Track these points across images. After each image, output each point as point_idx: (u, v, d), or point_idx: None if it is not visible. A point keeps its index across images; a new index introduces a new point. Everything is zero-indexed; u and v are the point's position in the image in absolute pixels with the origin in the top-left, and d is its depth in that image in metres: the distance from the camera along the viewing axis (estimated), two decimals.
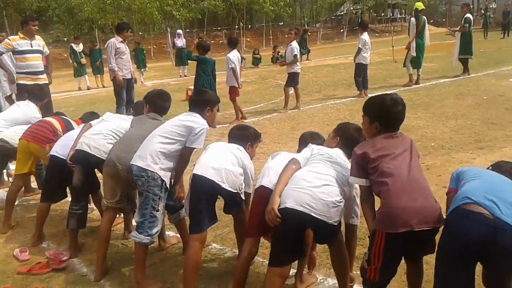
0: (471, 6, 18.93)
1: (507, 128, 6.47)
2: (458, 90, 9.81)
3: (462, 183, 2.34)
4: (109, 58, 8.16)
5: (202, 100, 3.35)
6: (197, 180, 2.95)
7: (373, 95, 2.74)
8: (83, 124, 4.07)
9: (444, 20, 39.28)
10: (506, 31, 25.45)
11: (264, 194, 2.74)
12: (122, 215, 4.02)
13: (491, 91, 9.30)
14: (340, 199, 2.53)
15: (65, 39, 27.98)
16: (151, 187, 3.05)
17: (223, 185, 2.91)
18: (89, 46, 17.37)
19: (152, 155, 3.07)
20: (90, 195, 4.16)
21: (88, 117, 4.47)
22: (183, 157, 3.17)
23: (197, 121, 3.16)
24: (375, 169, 2.35)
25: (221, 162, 2.98)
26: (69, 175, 3.71)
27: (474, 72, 11.91)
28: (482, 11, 31.58)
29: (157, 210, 3.09)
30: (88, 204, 4.20)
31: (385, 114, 2.46)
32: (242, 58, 11.97)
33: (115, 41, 8.18)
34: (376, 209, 2.40)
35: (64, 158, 3.73)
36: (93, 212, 4.54)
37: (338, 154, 2.73)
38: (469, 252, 2.07)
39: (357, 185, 2.62)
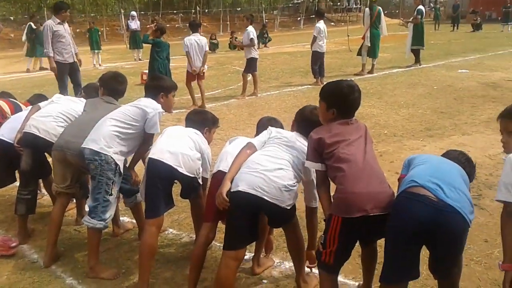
0: None
1: (455, 117, 6.75)
2: (410, 80, 10.13)
3: (411, 168, 2.43)
4: (45, 43, 7.56)
5: (157, 85, 3.28)
6: (153, 164, 2.88)
7: (329, 81, 2.76)
8: (31, 106, 3.88)
9: (397, 11, 40.29)
10: (455, 24, 26.45)
11: (221, 179, 2.72)
12: (74, 200, 3.89)
13: (441, 82, 9.66)
14: (294, 183, 2.54)
15: (12, 18, 26.56)
16: (104, 171, 2.97)
17: (180, 170, 2.87)
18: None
19: (106, 138, 2.99)
20: (40, 180, 4.00)
21: (36, 99, 4.26)
22: (145, 141, 3.14)
23: (150, 105, 3.11)
24: (330, 155, 2.37)
25: (178, 146, 2.93)
26: (17, 159, 3.55)
27: (425, 62, 12.33)
28: (432, 4, 32.60)
29: (110, 195, 3.01)
30: (39, 189, 4.05)
31: (341, 101, 2.48)
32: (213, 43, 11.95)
33: (52, 23, 7.53)
34: (332, 193, 2.44)
35: (11, 141, 3.56)
36: (44, 197, 4.37)
37: (295, 137, 2.74)
38: (414, 232, 2.14)
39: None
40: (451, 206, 2.10)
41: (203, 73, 8.56)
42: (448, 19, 29.92)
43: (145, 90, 3.31)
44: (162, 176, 2.89)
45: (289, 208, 2.56)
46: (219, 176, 2.79)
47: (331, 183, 2.45)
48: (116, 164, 3.01)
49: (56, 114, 3.50)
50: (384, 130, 6.30)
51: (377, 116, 7.06)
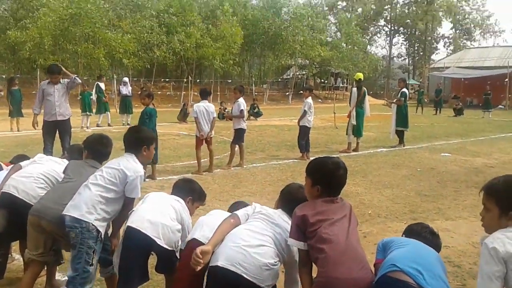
0: (408, 82, 20.36)
1: (439, 201, 6.77)
2: (394, 160, 10.27)
3: (389, 251, 2.39)
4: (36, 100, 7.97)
5: (138, 138, 3.23)
6: (131, 234, 2.78)
7: (316, 157, 2.76)
8: (11, 165, 3.79)
9: (382, 92, 41.92)
10: (438, 108, 27.45)
11: (195, 248, 2.61)
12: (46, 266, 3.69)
13: (424, 164, 9.81)
14: (275, 262, 2.46)
15: (4, 76, 26.85)
16: (85, 239, 2.84)
17: (158, 242, 2.76)
18: (5, 85, 16.68)
19: (88, 205, 2.89)
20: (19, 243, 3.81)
21: (18, 159, 4.18)
22: (124, 207, 3.04)
23: (130, 167, 3.04)
24: (313, 234, 2.33)
25: (158, 216, 2.84)
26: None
27: (409, 144, 12.60)
28: (418, 88, 34.06)
29: (91, 265, 2.87)
30: (10, 253, 3.85)
31: (327, 178, 2.48)
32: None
33: (44, 82, 7.94)
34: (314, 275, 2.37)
35: None
36: (14, 262, 4.13)
37: (279, 214, 2.69)
38: None
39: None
40: None
41: (211, 138, 8.76)
42: (431, 103, 31.11)
43: (125, 143, 3.23)
44: (139, 247, 2.77)
45: None
46: (193, 245, 2.67)
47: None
48: (98, 232, 2.89)
49: (37, 175, 3.41)
50: (369, 210, 6.26)
51: (362, 195, 7.05)
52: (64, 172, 3.38)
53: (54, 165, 3.59)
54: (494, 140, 14.49)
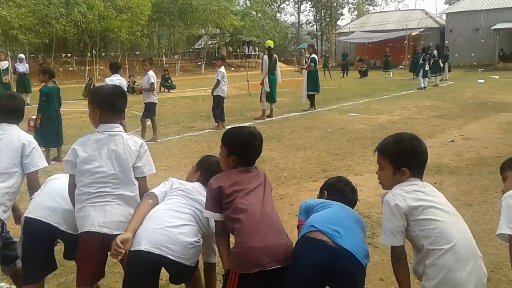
0: (316, 48, 20.90)
1: (348, 158, 7.11)
2: (306, 123, 10.59)
3: (311, 214, 2.45)
4: None
5: (18, 107, 2.98)
6: (31, 224, 2.58)
7: (230, 126, 2.72)
8: None
9: (293, 58, 42.78)
10: (345, 71, 28.64)
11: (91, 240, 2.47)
12: None
13: (334, 125, 10.23)
14: (198, 239, 2.43)
15: None
16: None
17: (62, 228, 2.59)
18: None
19: None
20: None
21: None
22: (32, 187, 2.83)
23: (22, 136, 2.83)
24: (229, 205, 2.31)
25: (59, 201, 2.65)
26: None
27: (319, 107, 13.04)
28: (324, 53, 35.21)
29: None
30: None
31: (243, 148, 2.44)
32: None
33: None
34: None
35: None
36: None
37: (198, 189, 2.64)
38: (314, 277, 2.16)
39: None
40: (347, 251, 2.14)
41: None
42: (338, 67, 32.35)
43: (3, 113, 2.92)
44: (41, 236, 2.58)
45: (193, 265, 2.43)
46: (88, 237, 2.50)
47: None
48: (2, 226, 2.67)
49: None
50: (284, 173, 6.42)
51: (277, 159, 7.20)
52: None
53: None
54: (396, 98, 15.48)
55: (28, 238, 2.61)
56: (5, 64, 15.49)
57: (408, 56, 31.14)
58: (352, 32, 41.48)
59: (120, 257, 2.38)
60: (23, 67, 15.74)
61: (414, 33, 35.48)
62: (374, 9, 60.46)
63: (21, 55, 17.08)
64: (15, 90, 15.39)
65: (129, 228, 2.39)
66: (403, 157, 2.24)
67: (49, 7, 27.39)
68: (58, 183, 2.82)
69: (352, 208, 2.62)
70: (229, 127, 2.79)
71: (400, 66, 33.15)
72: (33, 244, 2.59)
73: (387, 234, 2.16)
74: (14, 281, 3.10)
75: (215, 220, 2.41)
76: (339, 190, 2.70)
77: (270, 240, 2.23)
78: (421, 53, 20.12)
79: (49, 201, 2.64)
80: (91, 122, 2.66)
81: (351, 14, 63.08)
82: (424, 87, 18.28)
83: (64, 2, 28.28)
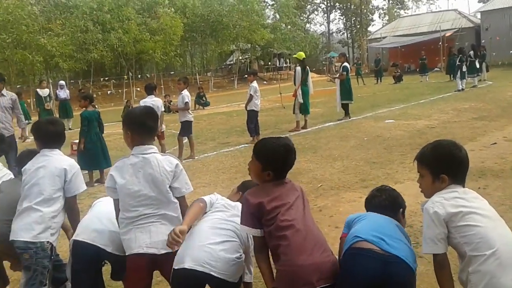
0: (347, 55, 20.80)
1: (387, 166, 6.99)
2: (341, 132, 10.50)
3: (352, 226, 2.45)
4: None
5: (58, 131, 3.10)
6: (78, 247, 2.69)
7: (262, 139, 2.65)
8: None
9: (324, 68, 42.64)
10: (378, 77, 28.25)
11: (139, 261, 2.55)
12: None
13: (370, 133, 10.09)
14: (240, 255, 2.46)
15: None
16: (39, 259, 2.73)
17: (108, 250, 2.68)
18: None
19: (40, 224, 2.76)
20: None
21: None
22: (71, 209, 2.94)
23: (64, 161, 2.95)
24: (271, 221, 2.27)
25: (105, 223, 2.75)
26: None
27: (354, 115, 12.90)
28: (356, 60, 34.87)
29: (45, 285, 2.76)
30: None
31: (279, 163, 2.41)
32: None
33: None
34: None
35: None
36: None
37: (239, 208, 2.67)
38: (366, 286, 2.13)
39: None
40: (396, 256, 2.13)
41: (162, 132, 8.68)
42: (372, 73, 31.96)
43: (44, 138, 3.04)
44: (89, 258, 2.68)
45: (236, 281, 2.46)
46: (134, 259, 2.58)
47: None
48: (52, 249, 2.79)
49: None
50: (322, 184, 6.38)
51: (314, 171, 7.16)
52: None
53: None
54: (433, 102, 15.11)
55: (76, 261, 2.71)
56: (46, 91, 16.21)
57: (444, 58, 30.43)
58: (384, 38, 40.95)
59: (176, 248, 2.42)
60: (64, 93, 16.40)
61: (448, 34, 34.67)
62: (405, 13, 59.63)
63: (62, 82, 17.81)
64: (57, 115, 16.06)
65: (185, 222, 2.46)
66: (441, 164, 2.22)
67: (86, 34, 28.52)
68: (104, 205, 2.93)
69: (402, 209, 2.60)
70: (261, 139, 2.69)
71: (436, 69, 32.43)
72: (82, 267, 2.69)
73: (427, 242, 2.14)
74: None
75: (253, 236, 2.39)
76: (376, 205, 2.67)
77: (317, 257, 2.21)
78: (457, 54, 19.61)
79: (96, 223, 2.74)
80: (126, 144, 2.73)
81: (382, 20, 62.50)
82: (462, 89, 17.78)
83: (100, 28, 29.39)
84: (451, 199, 2.14)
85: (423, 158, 2.30)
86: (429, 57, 28.25)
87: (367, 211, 2.70)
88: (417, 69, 28.66)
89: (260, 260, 2.37)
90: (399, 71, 27.94)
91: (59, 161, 2.93)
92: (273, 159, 2.40)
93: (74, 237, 2.75)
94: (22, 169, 3.00)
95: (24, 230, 2.75)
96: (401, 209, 2.65)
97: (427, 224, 2.16)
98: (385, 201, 2.66)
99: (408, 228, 4.44)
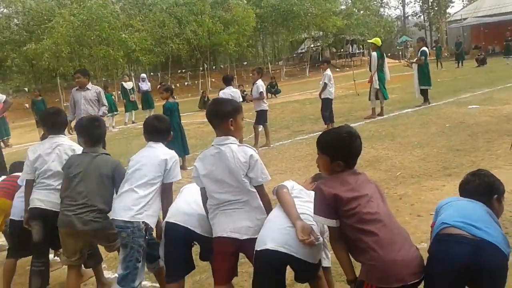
0: (426, 39, 19.88)
1: (472, 154, 6.65)
2: (421, 119, 10.11)
3: (439, 215, 2.39)
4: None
5: (162, 128, 3.33)
6: (170, 228, 2.88)
7: (321, 132, 2.61)
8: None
9: (400, 53, 41.01)
10: (459, 61, 26.72)
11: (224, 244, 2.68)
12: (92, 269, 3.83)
13: (453, 119, 9.62)
14: (319, 237, 2.49)
15: (26, 88, 27.49)
16: (136, 238, 2.95)
17: (198, 231, 2.85)
18: (32, 97, 17.41)
19: (136, 205, 2.98)
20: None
21: (15, 168, 4.33)
22: (166, 194, 3.13)
23: (166, 153, 3.16)
24: (351, 213, 2.23)
25: (194, 207, 2.93)
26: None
27: (434, 101, 12.35)
28: (434, 44, 33.11)
29: (139, 261, 2.99)
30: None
31: (346, 151, 2.37)
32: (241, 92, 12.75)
33: (74, 89, 7.84)
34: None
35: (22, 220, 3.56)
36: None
37: (312, 195, 2.72)
38: (456, 273, 2.09)
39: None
40: (487, 241, 2.08)
41: None
42: (451, 57, 30.28)
43: (149, 132, 3.31)
44: (180, 240, 2.87)
45: (317, 262, 2.51)
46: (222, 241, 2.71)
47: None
48: (147, 230, 3.00)
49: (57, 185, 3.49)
50: (401, 172, 6.22)
51: (392, 158, 7.00)
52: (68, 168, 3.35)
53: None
54: None
55: (169, 241, 2.91)
56: (130, 84, 17.24)
57: None
58: (464, 19, 38.48)
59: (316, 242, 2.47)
60: (146, 85, 17.26)
61: None
62: None
63: (143, 75, 18.76)
64: (140, 107, 16.98)
65: (296, 217, 2.50)
66: None
67: (164, 28, 29.73)
68: (191, 191, 3.11)
69: (497, 195, 2.45)
70: (323, 131, 2.64)
71: None
72: (174, 247, 2.89)
73: None
74: (157, 277, 3.46)
75: (329, 227, 2.35)
76: (470, 191, 2.52)
77: (407, 253, 2.18)
78: None
79: (186, 207, 2.93)
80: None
81: (462, 1, 58.73)
82: None
83: (177, 22, 30.49)
84: None
85: None
86: None
87: (460, 195, 2.60)
88: (502, 51, 26.67)
89: (337, 249, 2.34)
90: (482, 53, 26.27)
91: (161, 152, 3.18)
92: (339, 148, 2.36)
93: (166, 219, 2.95)
94: (130, 158, 3.26)
95: (123, 210, 2.99)
96: (495, 195, 2.51)
97: None
98: (479, 187, 2.50)
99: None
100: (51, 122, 3.68)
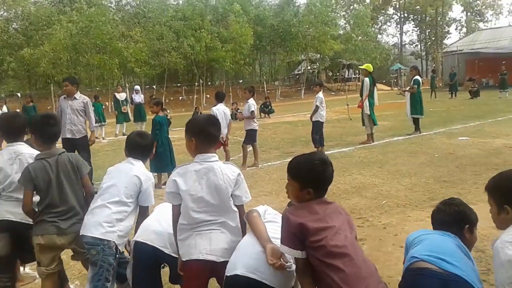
0: (420, 68, 20.10)
1: (459, 186, 6.63)
2: (410, 148, 10.11)
3: (410, 249, 2.36)
4: None
5: (144, 144, 3.26)
6: (138, 248, 2.79)
7: (294, 156, 2.52)
8: None
9: (395, 80, 41.43)
10: (453, 92, 27.00)
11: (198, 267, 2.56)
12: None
13: (442, 149, 9.63)
14: (290, 264, 2.41)
15: (19, 94, 27.28)
16: (106, 256, 2.86)
17: (166, 251, 2.76)
18: (23, 103, 17.27)
19: (108, 222, 2.89)
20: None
21: None
22: (142, 217, 3.08)
23: (143, 172, 3.09)
24: (316, 244, 2.16)
25: (164, 226, 2.84)
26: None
27: (425, 130, 12.39)
28: (432, 73, 33.48)
29: (109, 281, 2.89)
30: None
31: (317, 179, 2.29)
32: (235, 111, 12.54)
33: (61, 97, 7.65)
34: None
35: None
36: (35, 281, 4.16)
37: None
38: None
39: None
40: (457, 275, 2.02)
41: (227, 139, 9.00)
42: (446, 87, 30.60)
43: (131, 148, 3.23)
44: (148, 259, 2.78)
45: None
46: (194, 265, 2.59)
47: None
48: (117, 248, 2.91)
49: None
50: (387, 201, 6.17)
51: (379, 186, 6.95)
52: None
53: None
54: None
55: (136, 261, 2.81)
56: (123, 95, 17.22)
57: None
58: (460, 51, 39.12)
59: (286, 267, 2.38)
60: (139, 98, 17.22)
61: None
62: (485, 26, 56.57)
63: (137, 87, 18.73)
64: (132, 119, 16.90)
65: (266, 240, 2.43)
66: (505, 195, 2.07)
67: (162, 41, 29.88)
68: (164, 209, 3.02)
69: (469, 225, 2.43)
70: (294, 157, 2.55)
71: None
72: (141, 267, 2.79)
73: (497, 286, 1.97)
74: None
75: (296, 258, 2.27)
76: (438, 217, 2.54)
77: None
78: None
79: (155, 225, 2.84)
80: (188, 151, 2.76)
81: (459, 32, 59.81)
82: None
83: (175, 35, 30.68)
84: None
85: (488, 187, 2.19)
86: (509, 72, 26.54)
87: (432, 225, 2.56)
88: (496, 84, 27.01)
89: (304, 284, 2.25)
90: (476, 86, 26.53)
91: (139, 171, 3.09)
92: (310, 175, 2.29)
93: (134, 238, 2.86)
94: (108, 170, 3.20)
95: (94, 226, 2.89)
96: (467, 225, 2.45)
97: (496, 266, 1.99)
98: (450, 216, 2.47)
99: (480, 254, 4.19)
100: (7, 127, 3.45)
